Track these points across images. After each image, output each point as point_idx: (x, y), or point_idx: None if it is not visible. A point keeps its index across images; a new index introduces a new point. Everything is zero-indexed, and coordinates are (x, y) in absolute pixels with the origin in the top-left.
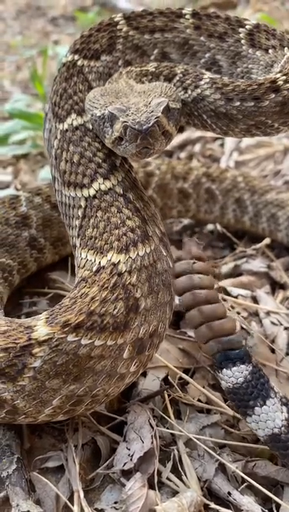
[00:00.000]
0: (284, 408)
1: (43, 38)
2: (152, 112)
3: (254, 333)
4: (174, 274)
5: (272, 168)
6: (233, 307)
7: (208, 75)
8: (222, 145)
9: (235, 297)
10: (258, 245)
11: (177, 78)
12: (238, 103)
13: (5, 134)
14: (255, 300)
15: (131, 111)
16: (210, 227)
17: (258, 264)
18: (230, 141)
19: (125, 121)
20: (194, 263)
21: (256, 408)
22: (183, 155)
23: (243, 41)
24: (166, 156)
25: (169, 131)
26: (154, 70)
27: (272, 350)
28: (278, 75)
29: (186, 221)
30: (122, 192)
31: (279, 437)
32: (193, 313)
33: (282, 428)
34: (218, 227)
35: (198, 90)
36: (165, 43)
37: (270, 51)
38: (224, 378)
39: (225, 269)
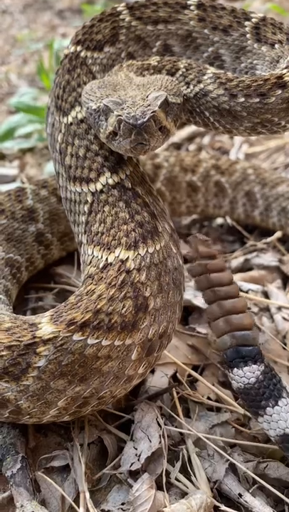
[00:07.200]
0: None
1: (49, 32)
2: (149, 105)
3: (265, 329)
4: (192, 275)
5: (283, 160)
6: None
7: (211, 69)
8: (231, 137)
9: (246, 292)
10: (269, 239)
11: (180, 73)
12: (242, 99)
13: (11, 127)
14: (266, 295)
15: (127, 104)
16: (219, 220)
17: (269, 258)
18: None
19: (119, 115)
20: (207, 264)
21: (268, 409)
22: (192, 147)
23: (248, 35)
24: (174, 148)
25: (167, 126)
26: (156, 63)
27: (284, 347)
28: (284, 71)
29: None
30: (130, 186)
31: None
32: (213, 308)
33: None
34: (228, 220)
35: (201, 85)
36: (168, 34)
37: (276, 46)
38: (235, 378)
39: (235, 263)
